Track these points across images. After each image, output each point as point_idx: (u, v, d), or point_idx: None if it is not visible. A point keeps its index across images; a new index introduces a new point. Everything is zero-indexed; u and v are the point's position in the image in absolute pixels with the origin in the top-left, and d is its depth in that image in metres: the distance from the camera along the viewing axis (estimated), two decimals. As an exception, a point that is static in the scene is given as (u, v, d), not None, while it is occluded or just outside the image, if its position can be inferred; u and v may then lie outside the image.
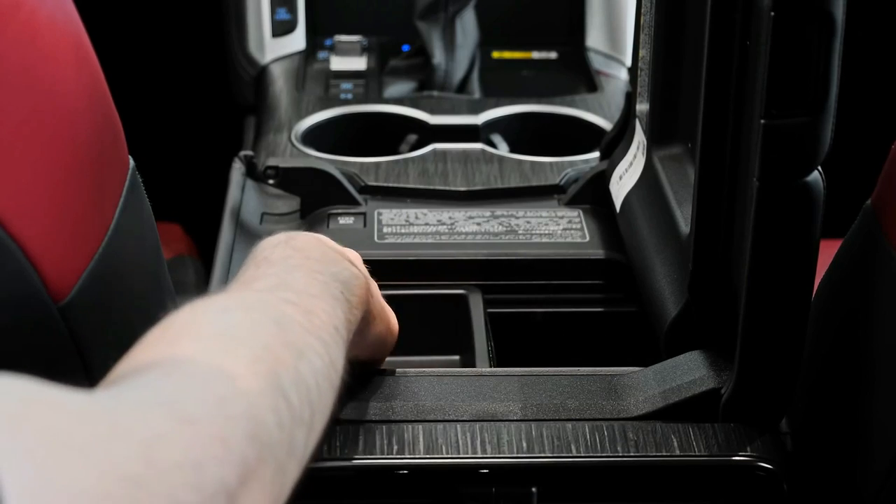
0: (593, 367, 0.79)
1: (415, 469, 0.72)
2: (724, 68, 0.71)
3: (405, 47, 1.42)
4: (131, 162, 0.79)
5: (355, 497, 0.72)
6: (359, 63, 1.40)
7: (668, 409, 0.75)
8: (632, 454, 0.72)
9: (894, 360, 0.71)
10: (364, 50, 1.42)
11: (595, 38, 1.45)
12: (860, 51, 1.58)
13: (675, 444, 0.73)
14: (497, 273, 0.99)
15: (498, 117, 1.26)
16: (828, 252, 0.75)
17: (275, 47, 1.42)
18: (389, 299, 0.76)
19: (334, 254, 0.70)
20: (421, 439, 0.73)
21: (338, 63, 1.40)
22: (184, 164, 1.73)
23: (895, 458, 0.70)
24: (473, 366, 0.89)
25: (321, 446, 0.71)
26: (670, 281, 0.83)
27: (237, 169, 1.10)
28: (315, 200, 1.07)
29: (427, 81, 1.34)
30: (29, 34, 0.66)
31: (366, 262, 0.74)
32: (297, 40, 1.44)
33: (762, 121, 0.65)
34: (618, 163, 1.02)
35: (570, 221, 1.05)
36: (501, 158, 1.17)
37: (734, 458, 0.72)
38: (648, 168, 0.93)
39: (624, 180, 0.99)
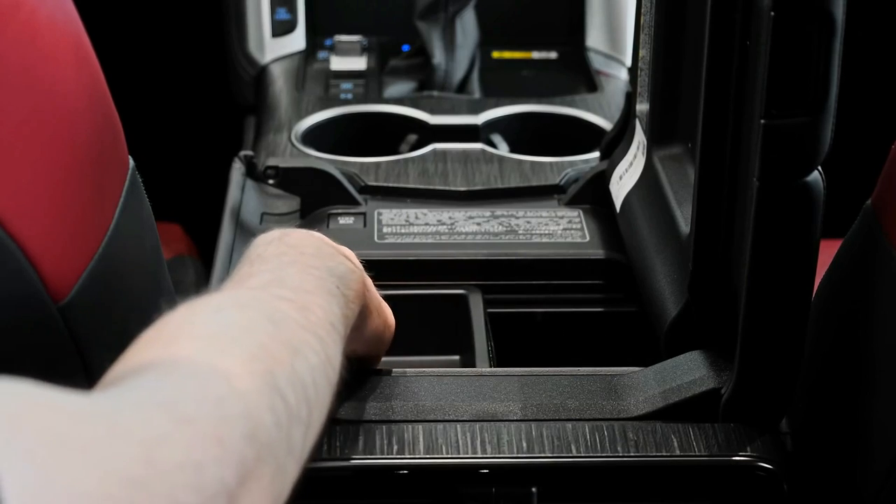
0: (593, 367, 0.79)
1: (415, 469, 0.72)
2: (724, 68, 0.71)
3: (405, 47, 1.42)
4: (131, 162, 0.79)
5: (355, 497, 0.72)
6: (359, 63, 1.40)
7: (668, 409, 0.75)
8: (632, 454, 0.72)
9: (894, 360, 0.71)
10: (364, 50, 1.42)
11: (595, 38, 1.45)
12: (860, 51, 1.58)
13: (675, 444, 0.73)
14: (497, 273, 0.99)
15: (498, 117, 1.26)
16: (828, 252, 0.75)
17: (275, 47, 1.42)
18: (389, 299, 0.76)
19: (329, 249, 0.70)
20: (421, 439, 0.73)
21: (338, 63, 1.40)
22: (184, 164, 1.73)
23: (895, 458, 0.70)
24: (473, 366, 0.89)
25: (321, 446, 0.71)
26: (670, 281, 0.83)
27: (237, 169, 1.10)
28: (315, 200, 1.07)
29: (427, 81, 1.34)
30: (29, 34, 0.66)
31: (366, 262, 0.74)
32: (297, 40, 1.44)
33: (762, 121, 0.65)
34: (618, 163, 1.02)
35: (570, 221, 1.05)
36: (501, 158, 1.17)
37: (734, 458, 0.72)
38: (648, 168, 0.93)
39: (624, 180, 0.99)
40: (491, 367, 0.89)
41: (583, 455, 0.72)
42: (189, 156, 1.74)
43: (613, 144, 1.06)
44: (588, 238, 1.02)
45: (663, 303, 0.82)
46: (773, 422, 0.74)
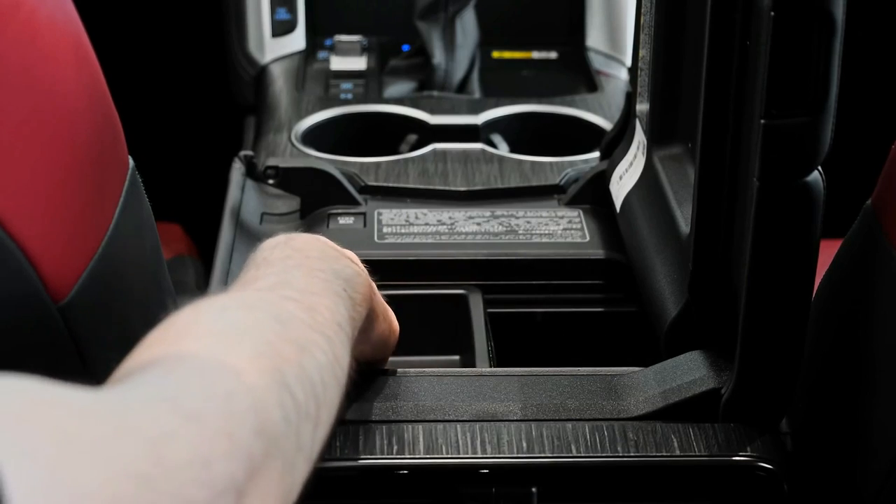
0: (593, 367, 0.79)
1: (415, 469, 0.72)
2: (724, 68, 0.71)
3: (405, 47, 1.42)
4: (131, 162, 0.79)
5: (355, 497, 0.72)
6: (359, 63, 1.40)
7: (669, 409, 0.75)
8: (632, 454, 0.72)
9: (894, 360, 0.71)
10: (364, 50, 1.42)
11: (595, 38, 1.45)
12: (860, 51, 1.58)
13: (676, 444, 0.73)
14: (497, 273, 0.99)
15: (498, 117, 1.26)
16: (828, 252, 0.75)
17: (275, 47, 1.42)
18: (389, 299, 0.76)
19: (334, 252, 0.70)
20: (421, 439, 0.72)
21: (338, 63, 1.40)
22: (184, 164, 1.73)
23: (895, 458, 0.70)
24: (473, 366, 0.89)
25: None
26: (670, 281, 0.83)
27: (237, 169, 1.10)
28: (315, 200, 1.07)
29: (427, 81, 1.34)
30: (29, 34, 0.66)
31: (366, 262, 0.74)
32: (297, 40, 1.44)
33: (762, 121, 0.65)
34: (618, 163, 1.02)
35: (570, 221, 1.05)
36: (501, 158, 1.17)
37: (734, 458, 0.72)
38: (648, 168, 0.93)
39: (624, 180, 0.99)
40: (491, 367, 0.89)
41: (583, 455, 0.72)
42: (189, 156, 1.74)
43: (613, 144, 1.06)
44: (588, 238, 1.02)
45: (663, 303, 0.82)
46: (773, 422, 0.74)
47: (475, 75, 1.37)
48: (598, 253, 1.01)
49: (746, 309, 0.70)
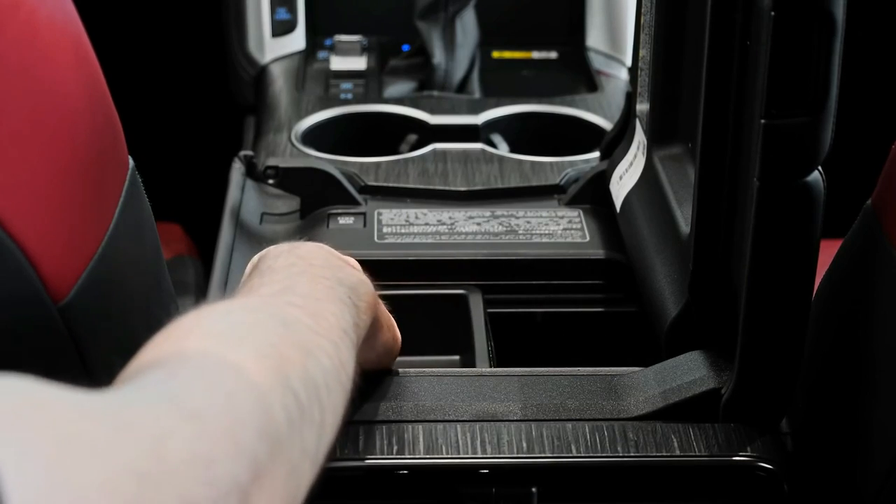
0: (593, 367, 0.79)
1: (415, 469, 0.72)
2: (724, 68, 0.71)
3: (405, 47, 1.42)
4: (131, 162, 0.79)
5: (355, 497, 0.72)
6: (359, 63, 1.40)
7: (669, 410, 0.75)
8: (632, 454, 0.72)
9: (894, 360, 0.71)
10: (364, 50, 1.42)
11: (595, 38, 1.45)
12: (860, 51, 1.58)
13: (676, 444, 0.73)
14: (497, 273, 0.99)
15: (498, 117, 1.26)
16: (828, 252, 0.75)
17: (275, 47, 1.42)
18: (389, 299, 0.76)
19: (338, 260, 0.70)
20: (421, 439, 0.72)
21: (338, 63, 1.40)
22: (184, 164, 1.73)
23: (895, 458, 0.70)
24: (473, 366, 0.89)
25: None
26: (670, 281, 0.83)
27: (237, 169, 1.10)
28: (315, 200, 1.07)
29: (427, 81, 1.34)
30: (29, 34, 0.66)
31: (366, 262, 0.74)
32: (296, 40, 1.44)
33: (762, 121, 0.65)
34: (618, 163, 1.02)
35: (570, 221, 1.05)
36: (501, 158, 1.17)
37: (734, 458, 0.72)
38: (648, 168, 0.93)
39: (624, 180, 0.99)
40: (491, 367, 0.89)
41: (583, 455, 0.72)
42: (189, 156, 1.74)
43: (613, 144, 1.06)
44: (588, 238, 1.02)
45: (663, 303, 0.82)
46: (773, 422, 0.74)
47: (475, 75, 1.37)
48: (598, 253, 1.01)
49: (746, 309, 0.70)
